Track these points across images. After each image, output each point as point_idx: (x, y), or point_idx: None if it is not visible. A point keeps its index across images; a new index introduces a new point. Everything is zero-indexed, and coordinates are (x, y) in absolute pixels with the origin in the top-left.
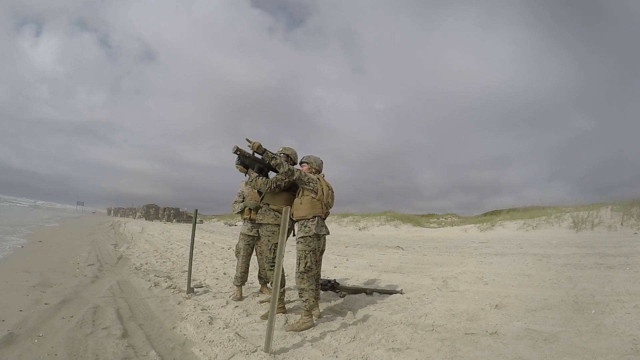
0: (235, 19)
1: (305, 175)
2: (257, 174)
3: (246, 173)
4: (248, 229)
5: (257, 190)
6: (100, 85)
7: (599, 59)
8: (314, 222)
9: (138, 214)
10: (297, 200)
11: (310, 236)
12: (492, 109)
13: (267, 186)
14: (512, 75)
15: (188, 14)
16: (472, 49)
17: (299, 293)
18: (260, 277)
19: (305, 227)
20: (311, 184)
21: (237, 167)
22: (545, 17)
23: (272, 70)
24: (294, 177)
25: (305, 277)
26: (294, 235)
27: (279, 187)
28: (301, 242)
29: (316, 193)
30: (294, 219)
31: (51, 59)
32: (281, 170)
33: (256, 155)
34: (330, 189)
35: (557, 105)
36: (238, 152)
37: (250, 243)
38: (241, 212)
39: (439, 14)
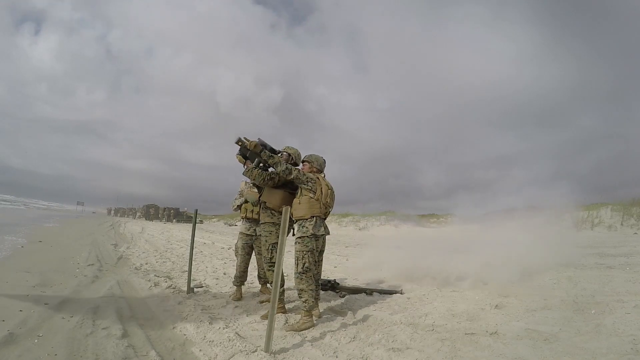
0: (238, 15)
1: (304, 174)
2: (255, 166)
3: (244, 164)
4: (246, 227)
5: (255, 185)
6: (100, 83)
7: (602, 58)
8: (312, 223)
9: (138, 214)
10: (295, 200)
11: (307, 236)
12: (496, 108)
13: (261, 178)
14: (515, 73)
15: (189, 11)
16: (476, 47)
17: (298, 293)
18: (260, 277)
19: (303, 227)
20: (309, 183)
21: (237, 157)
22: (549, 15)
23: (275, 68)
24: (292, 177)
25: (303, 277)
26: (294, 234)
27: (273, 181)
28: (299, 243)
29: (315, 193)
30: (293, 218)
31: (50, 57)
32: (278, 169)
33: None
34: (330, 188)
35: (559, 104)
36: (240, 143)
37: (249, 242)
38: (239, 207)
39: (443, 12)
